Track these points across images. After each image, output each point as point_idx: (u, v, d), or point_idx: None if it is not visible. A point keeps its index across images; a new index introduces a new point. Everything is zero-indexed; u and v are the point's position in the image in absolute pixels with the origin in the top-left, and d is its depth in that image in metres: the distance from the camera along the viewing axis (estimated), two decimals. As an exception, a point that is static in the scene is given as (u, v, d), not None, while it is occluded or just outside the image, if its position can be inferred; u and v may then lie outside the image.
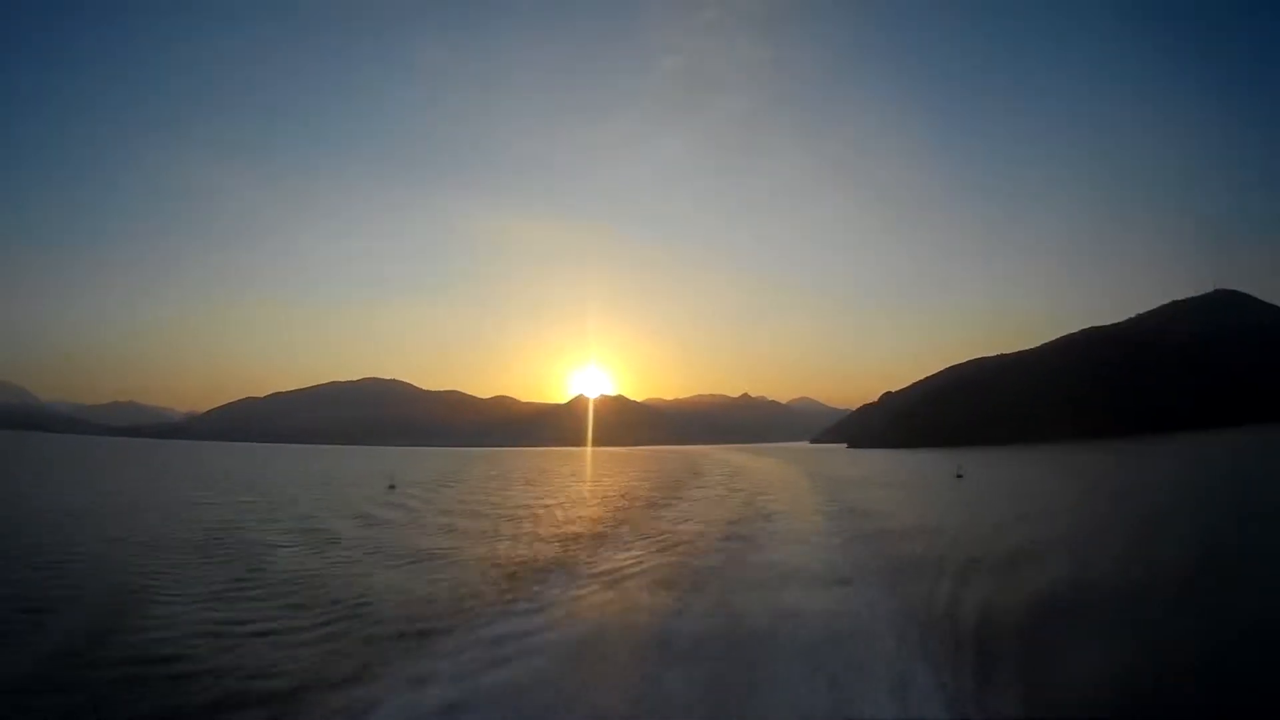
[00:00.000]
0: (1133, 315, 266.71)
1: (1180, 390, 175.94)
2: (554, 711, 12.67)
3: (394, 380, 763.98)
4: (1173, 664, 13.58)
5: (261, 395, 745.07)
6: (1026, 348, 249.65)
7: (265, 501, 50.73)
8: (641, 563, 26.37)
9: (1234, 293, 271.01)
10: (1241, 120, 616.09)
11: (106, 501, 48.41)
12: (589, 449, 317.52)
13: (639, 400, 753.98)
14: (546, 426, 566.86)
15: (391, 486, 65.18)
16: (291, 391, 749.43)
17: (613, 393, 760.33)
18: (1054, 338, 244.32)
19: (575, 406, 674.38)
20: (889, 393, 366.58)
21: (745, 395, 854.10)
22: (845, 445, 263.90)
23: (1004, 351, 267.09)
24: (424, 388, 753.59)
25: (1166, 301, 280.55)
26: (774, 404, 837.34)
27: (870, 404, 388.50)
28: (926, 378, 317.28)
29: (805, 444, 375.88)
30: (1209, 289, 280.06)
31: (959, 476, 70.82)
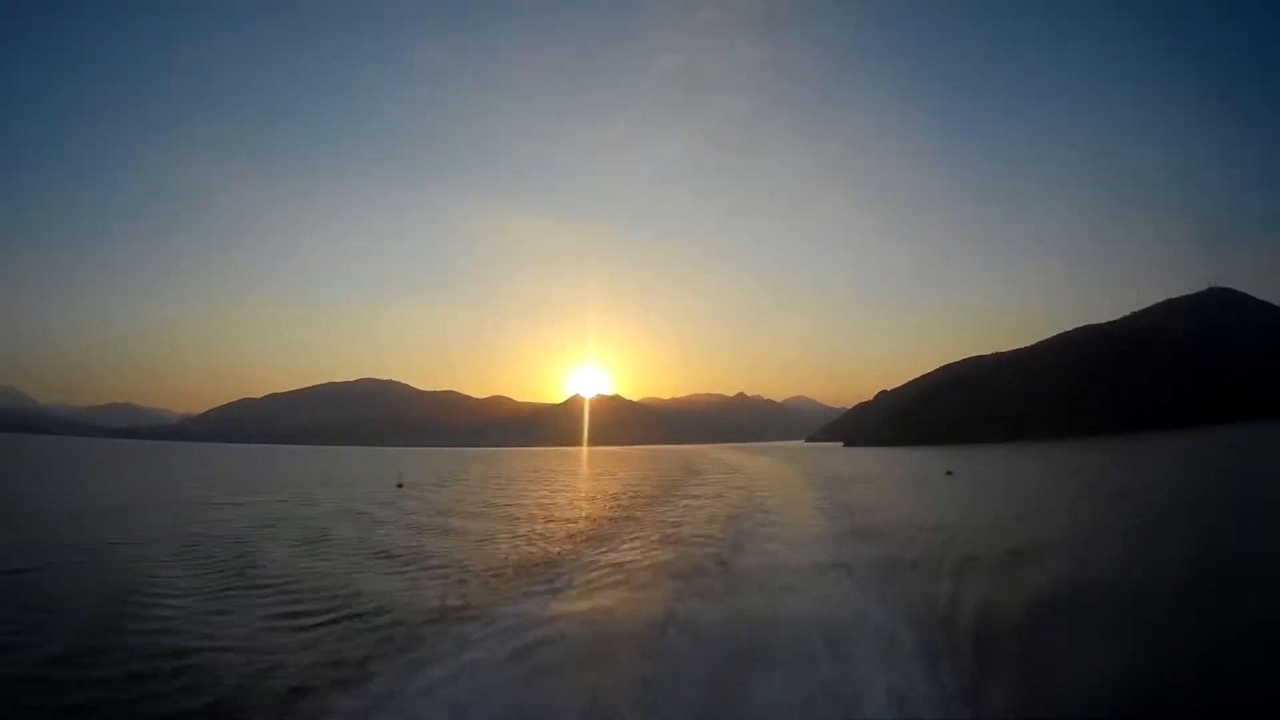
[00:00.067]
0: (1128, 314, 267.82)
1: (1176, 388, 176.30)
2: (557, 709, 12.68)
3: (390, 380, 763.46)
4: (1172, 664, 13.60)
5: (258, 396, 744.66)
6: (1022, 346, 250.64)
7: (269, 502, 50.56)
8: (645, 557, 26.89)
9: (1229, 291, 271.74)
10: (1239, 120, 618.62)
11: (136, 502, 48.23)
12: (585, 449, 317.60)
13: (635, 400, 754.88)
14: (543, 426, 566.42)
15: (400, 485, 66.14)
16: (288, 392, 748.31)
17: (609, 392, 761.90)
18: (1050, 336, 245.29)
19: (571, 406, 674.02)
20: (885, 391, 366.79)
21: (741, 394, 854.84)
22: (841, 444, 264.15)
23: (1001, 350, 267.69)
24: (420, 388, 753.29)
25: (1162, 300, 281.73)
26: (770, 403, 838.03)
27: (866, 403, 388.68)
28: (922, 376, 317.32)
29: (801, 443, 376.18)
30: (1204, 288, 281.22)
31: (949, 474, 72.79)
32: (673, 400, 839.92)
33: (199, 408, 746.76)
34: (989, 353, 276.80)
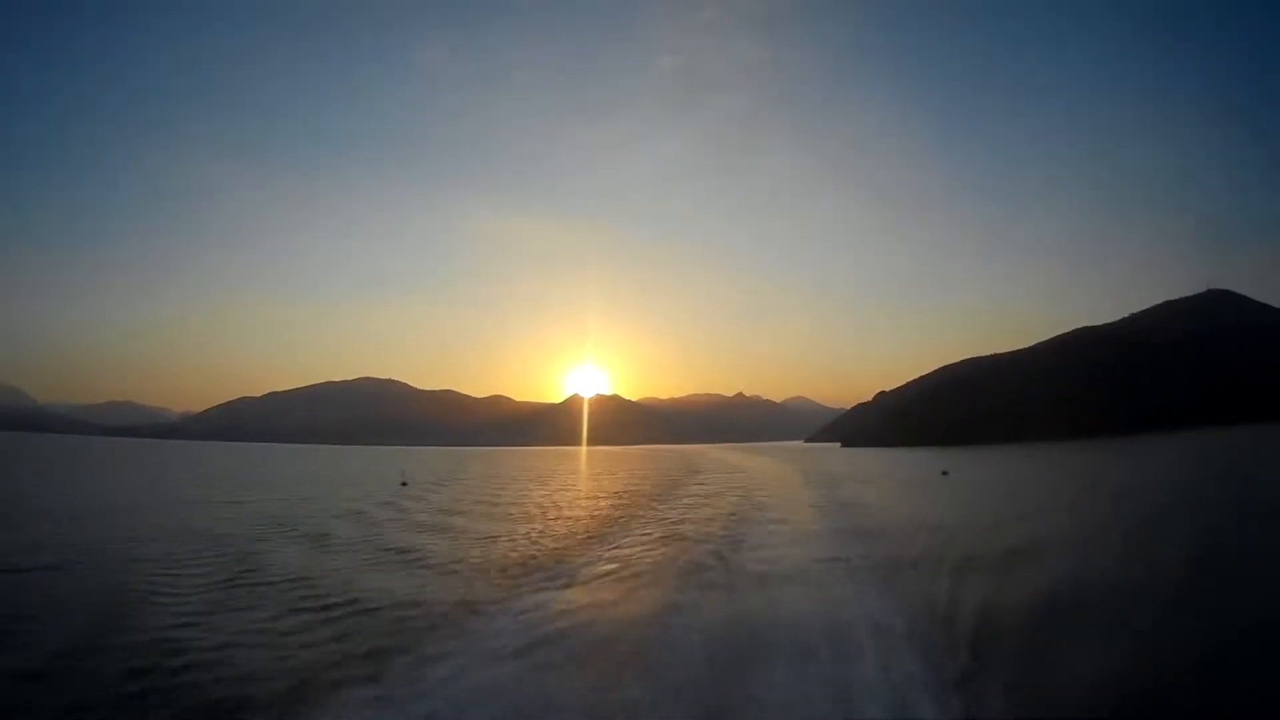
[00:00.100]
0: (1126, 315, 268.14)
1: (1175, 389, 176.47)
2: (558, 708, 12.69)
3: (390, 380, 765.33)
4: (1172, 664, 13.60)
5: (258, 395, 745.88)
6: (1021, 347, 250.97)
7: (272, 500, 50.57)
8: (647, 555, 27.22)
9: (1227, 292, 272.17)
10: (1239, 120, 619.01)
11: (136, 502, 48.22)
12: (584, 448, 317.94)
13: (634, 399, 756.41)
14: (541, 426, 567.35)
15: (404, 484, 66.81)
16: (288, 391, 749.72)
17: (608, 392, 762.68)
18: (1049, 337, 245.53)
19: (570, 406, 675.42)
20: (883, 392, 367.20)
21: (740, 394, 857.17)
22: (839, 444, 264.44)
23: (1000, 351, 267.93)
24: (419, 387, 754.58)
25: (1160, 301, 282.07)
26: (769, 403, 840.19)
27: (865, 403, 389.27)
28: (920, 377, 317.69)
29: (800, 443, 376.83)
30: (1202, 289, 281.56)
31: (944, 474, 74.46)
32: (672, 400, 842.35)
33: (198, 406, 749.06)
34: (988, 354, 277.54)
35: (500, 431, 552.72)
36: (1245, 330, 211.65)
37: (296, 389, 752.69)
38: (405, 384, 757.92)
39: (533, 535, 33.04)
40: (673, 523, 37.07)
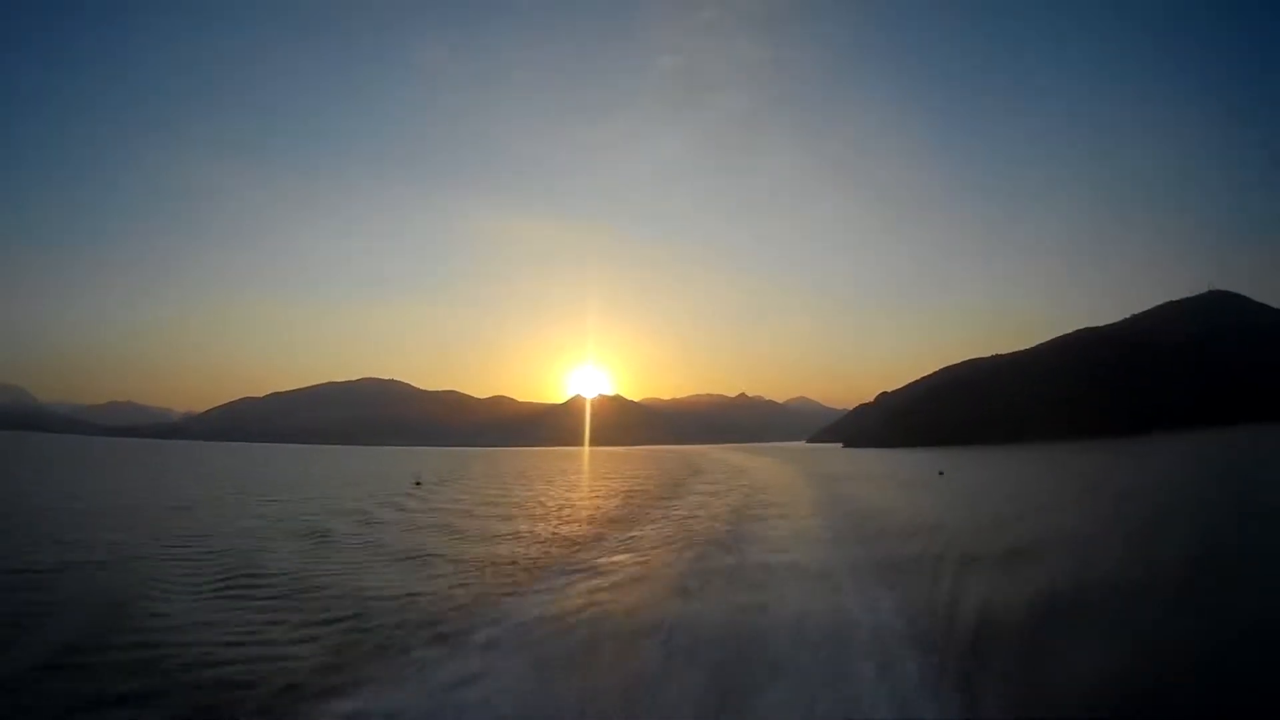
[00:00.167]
0: (1127, 316, 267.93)
1: (1176, 389, 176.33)
2: (560, 707, 12.73)
3: (392, 380, 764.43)
4: (1172, 664, 13.59)
5: (260, 395, 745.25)
6: (1023, 348, 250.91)
7: (295, 501, 50.93)
8: (652, 554, 27.59)
9: (1228, 293, 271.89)
10: (1239, 120, 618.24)
11: (137, 503, 48.34)
12: (586, 449, 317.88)
13: (636, 400, 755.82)
14: (544, 426, 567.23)
15: (418, 483, 68.17)
16: (289, 391, 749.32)
17: (610, 392, 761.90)
18: (1050, 338, 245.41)
19: (572, 406, 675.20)
20: (885, 393, 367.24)
21: (743, 395, 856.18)
22: (841, 445, 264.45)
23: (1002, 352, 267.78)
24: (421, 387, 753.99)
25: (1162, 302, 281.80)
26: (771, 404, 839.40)
27: (866, 404, 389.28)
28: (922, 378, 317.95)
29: (802, 443, 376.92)
30: (1203, 290, 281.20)
31: (940, 474, 77.03)
32: (673, 401, 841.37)
33: (200, 406, 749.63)
34: (989, 355, 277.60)
35: (502, 432, 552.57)
36: (1246, 331, 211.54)
37: (298, 389, 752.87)
38: (407, 384, 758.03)
39: (542, 533, 33.80)
40: (678, 522, 37.69)
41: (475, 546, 29.65)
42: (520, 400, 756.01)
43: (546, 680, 13.71)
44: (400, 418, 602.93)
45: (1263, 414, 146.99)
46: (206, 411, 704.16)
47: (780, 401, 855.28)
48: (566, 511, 43.75)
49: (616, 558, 26.72)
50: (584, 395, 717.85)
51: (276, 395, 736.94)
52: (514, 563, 25.76)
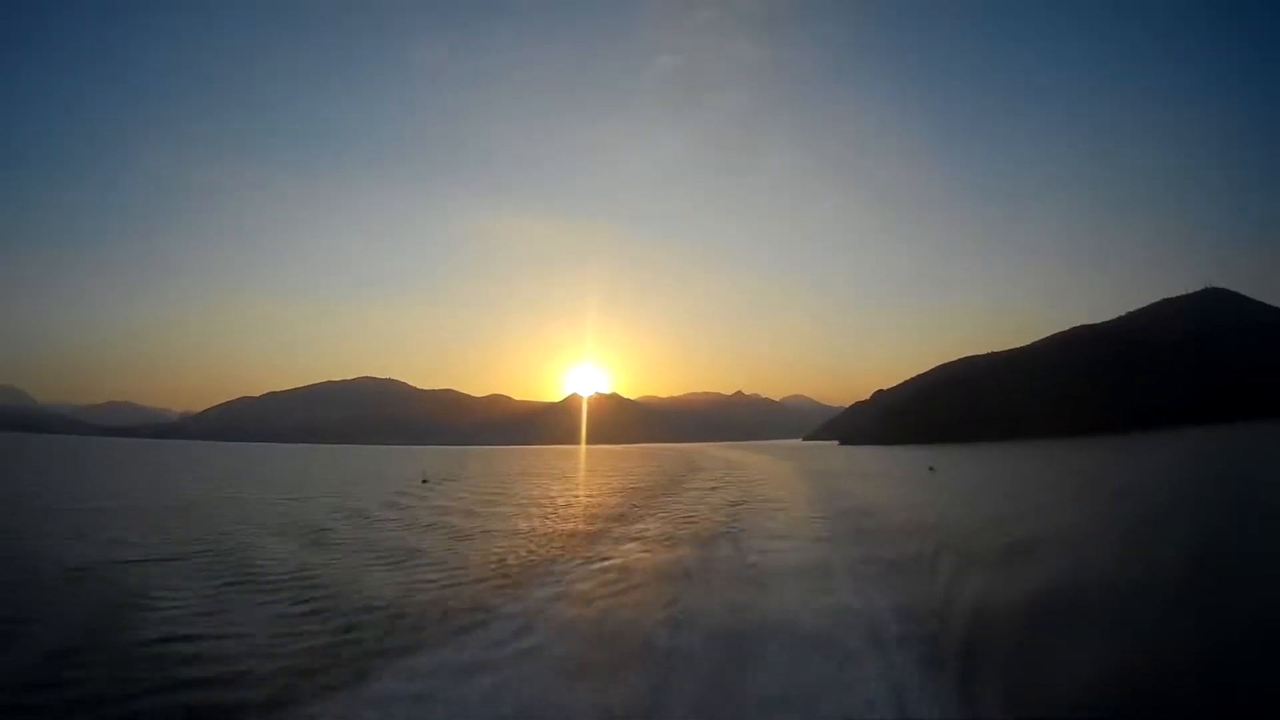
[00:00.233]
0: (1123, 314, 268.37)
1: (1174, 387, 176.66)
2: (560, 706, 12.70)
3: (389, 379, 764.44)
4: (1172, 664, 13.58)
5: (257, 395, 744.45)
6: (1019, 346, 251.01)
7: (313, 499, 50.99)
8: (653, 550, 28.18)
9: (1224, 291, 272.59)
10: (1239, 121, 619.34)
11: (138, 505, 48.18)
12: (583, 447, 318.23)
13: (633, 398, 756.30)
14: (541, 425, 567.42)
15: (424, 480, 69.32)
16: (287, 391, 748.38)
17: (607, 391, 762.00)
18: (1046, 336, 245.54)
19: (570, 405, 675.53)
20: (881, 390, 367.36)
21: (739, 393, 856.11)
22: (837, 442, 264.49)
23: (999, 350, 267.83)
24: (419, 386, 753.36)
25: (1158, 300, 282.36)
26: (768, 401, 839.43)
27: (863, 401, 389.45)
28: (919, 375, 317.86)
29: (798, 441, 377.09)
30: (1200, 288, 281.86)
31: (931, 470, 79.09)
32: (671, 399, 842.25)
33: (198, 406, 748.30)
34: (986, 352, 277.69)
35: (500, 431, 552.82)
36: (1244, 329, 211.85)
37: (296, 389, 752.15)
38: (405, 383, 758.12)
39: (550, 529, 34.52)
40: (678, 517, 38.41)
41: (486, 542, 30.23)
42: (517, 399, 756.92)
43: (547, 679, 13.69)
44: (398, 417, 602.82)
45: (1260, 411, 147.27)
46: (204, 411, 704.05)
47: (777, 399, 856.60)
48: (572, 509, 44.33)
49: (619, 553, 27.13)
50: (581, 394, 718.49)
51: (274, 395, 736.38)
52: (518, 559, 25.98)
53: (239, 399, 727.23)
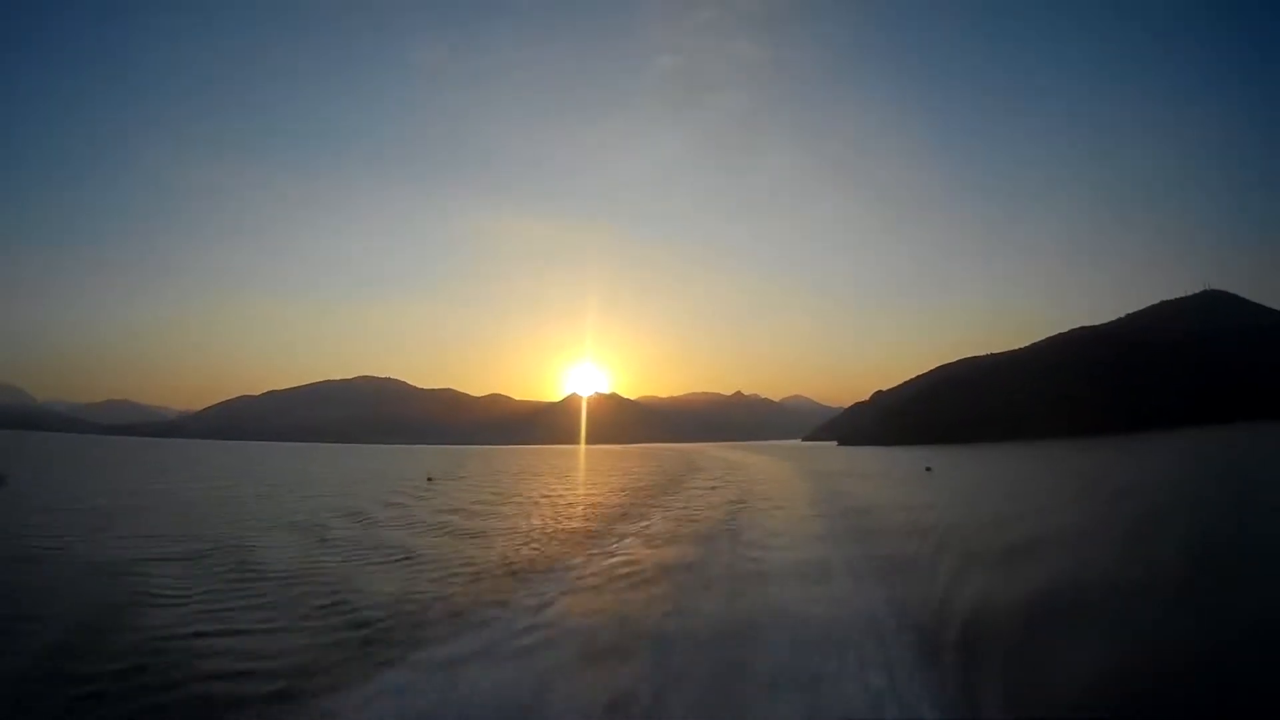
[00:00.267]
0: (1123, 315, 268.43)
1: (1173, 388, 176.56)
2: (560, 706, 12.70)
3: (389, 378, 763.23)
4: (1172, 664, 13.59)
5: (256, 393, 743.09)
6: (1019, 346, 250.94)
7: (320, 497, 51.12)
8: (653, 548, 28.31)
9: (1223, 293, 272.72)
10: (1239, 121, 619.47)
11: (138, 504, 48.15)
12: (582, 447, 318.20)
13: (633, 398, 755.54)
14: (540, 424, 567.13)
15: (430, 479, 70.00)
16: (286, 390, 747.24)
17: (607, 391, 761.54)
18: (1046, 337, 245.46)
19: (569, 404, 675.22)
20: (880, 391, 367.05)
21: (739, 393, 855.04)
22: (836, 443, 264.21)
23: (999, 351, 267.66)
24: (418, 386, 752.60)
25: (1157, 301, 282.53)
26: (767, 402, 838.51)
27: (862, 402, 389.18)
28: (918, 376, 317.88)
29: (798, 441, 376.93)
30: (1200, 289, 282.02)
31: (928, 470, 79.52)
32: (670, 399, 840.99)
33: (197, 405, 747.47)
34: (985, 353, 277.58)
35: (499, 430, 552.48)
36: (1244, 330, 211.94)
37: (295, 388, 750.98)
38: (404, 383, 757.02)
39: (553, 527, 34.74)
40: (679, 516, 38.70)
41: (489, 540, 30.50)
42: (517, 399, 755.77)
43: (551, 674, 13.74)
44: (397, 416, 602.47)
45: (1260, 412, 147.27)
46: (203, 410, 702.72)
47: (776, 400, 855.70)
48: (574, 507, 44.75)
49: (622, 550, 27.48)
50: (580, 393, 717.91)
51: (273, 394, 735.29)
52: (522, 556, 26.21)
53: (238, 398, 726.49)
